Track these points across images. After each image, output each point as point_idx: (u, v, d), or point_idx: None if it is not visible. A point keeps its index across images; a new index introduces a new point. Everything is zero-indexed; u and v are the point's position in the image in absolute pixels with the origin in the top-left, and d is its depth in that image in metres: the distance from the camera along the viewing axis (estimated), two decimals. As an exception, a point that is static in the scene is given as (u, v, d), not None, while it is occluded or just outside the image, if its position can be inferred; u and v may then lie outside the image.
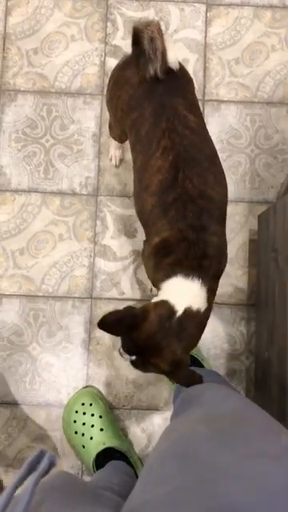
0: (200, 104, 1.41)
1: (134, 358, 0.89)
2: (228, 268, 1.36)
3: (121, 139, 1.26)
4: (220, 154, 1.40)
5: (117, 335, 0.90)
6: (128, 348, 0.89)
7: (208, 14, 1.46)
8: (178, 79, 0.99)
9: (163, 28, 1.43)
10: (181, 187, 0.91)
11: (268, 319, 1.17)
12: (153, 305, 0.89)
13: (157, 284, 0.95)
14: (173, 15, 1.45)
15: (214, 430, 0.65)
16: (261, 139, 1.42)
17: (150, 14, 1.44)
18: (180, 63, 1.01)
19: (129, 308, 0.89)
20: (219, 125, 1.42)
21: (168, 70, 0.96)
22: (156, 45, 0.92)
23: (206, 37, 1.45)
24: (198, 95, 1.41)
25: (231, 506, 0.47)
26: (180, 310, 0.87)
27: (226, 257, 0.97)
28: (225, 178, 1.00)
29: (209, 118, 1.42)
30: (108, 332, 0.88)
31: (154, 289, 1.26)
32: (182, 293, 0.89)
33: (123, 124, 1.06)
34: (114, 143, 1.34)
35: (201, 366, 1.24)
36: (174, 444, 0.65)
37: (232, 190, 1.40)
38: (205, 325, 0.93)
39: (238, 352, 1.35)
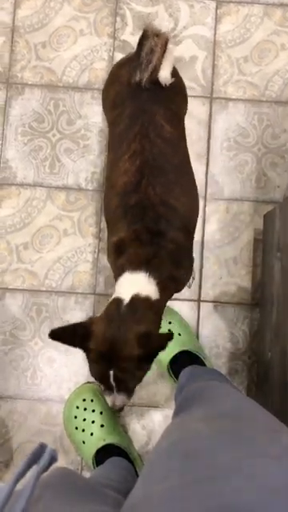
0: (208, 102, 1.41)
1: (113, 382, 0.86)
2: (232, 267, 1.36)
3: None
4: (226, 153, 1.40)
5: (69, 345, 0.87)
6: (95, 370, 0.87)
7: (218, 11, 1.45)
8: (167, 90, 0.98)
9: (172, 25, 1.43)
10: (143, 193, 0.91)
11: (271, 319, 1.16)
12: (98, 317, 0.88)
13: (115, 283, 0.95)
14: (182, 11, 1.44)
15: (214, 429, 0.65)
16: (268, 138, 1.41)
17: (159, 10, 1.44)
18: (178, 73, 1.01)
19: (77, 322, 0.88)
20: (226, 123, 1.41)
21: (156, 82, 0.95)
22: (152, 58, 0.93)
23: (215, 34, 1.44)
24: (206, 92, 1.40)
25: (231, 505, 0.47)
26: (127, 299, 0.87)
27: (187, 268, 0.95)
28: (194, 192, 0.99)
29: (216, 116, 1.41)
30: (60, 341, 0.85)
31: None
32: (129, 285, 0.89)
33: (108, 120, 1.06)
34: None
35: (203, 364, 1.23)
36: (174, 442, 0.65)
37: (238, 189, 1.39)
38: (158, 309, 0.91)
39: (240, 351, 1.34)
